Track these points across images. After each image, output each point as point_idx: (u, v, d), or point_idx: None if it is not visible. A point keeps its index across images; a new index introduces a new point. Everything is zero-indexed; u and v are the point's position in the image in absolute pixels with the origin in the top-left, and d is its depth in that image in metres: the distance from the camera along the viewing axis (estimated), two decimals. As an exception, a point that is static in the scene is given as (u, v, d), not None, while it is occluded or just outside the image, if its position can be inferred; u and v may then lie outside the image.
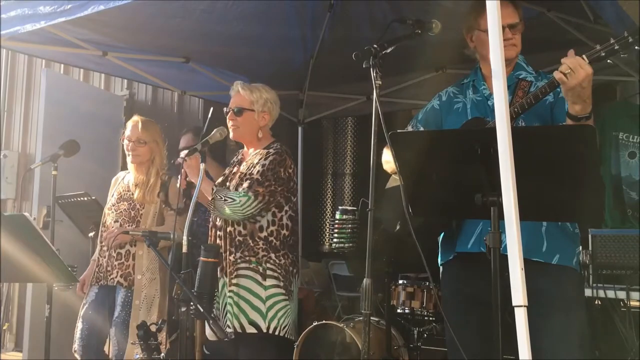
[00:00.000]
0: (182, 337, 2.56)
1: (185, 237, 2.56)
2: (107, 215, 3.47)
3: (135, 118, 3.54)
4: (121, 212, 3.41)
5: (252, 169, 2.91)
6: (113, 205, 3.46)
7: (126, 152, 3.49)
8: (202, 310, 2.46)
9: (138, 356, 3.17)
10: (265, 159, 2.88)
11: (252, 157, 2.99)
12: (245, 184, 2.84)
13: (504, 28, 2.16)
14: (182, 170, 2.83)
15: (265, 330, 2.80)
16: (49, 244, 2.55)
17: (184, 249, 2.57)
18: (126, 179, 3.54)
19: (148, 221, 3.37)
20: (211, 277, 2.66)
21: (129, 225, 3.36)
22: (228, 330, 2.83)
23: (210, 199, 2.84)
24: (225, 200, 2.79)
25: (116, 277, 3.31)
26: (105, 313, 3.35)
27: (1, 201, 6.52)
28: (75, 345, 3.31)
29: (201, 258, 2.63)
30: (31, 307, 5.10)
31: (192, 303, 2.49)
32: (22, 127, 6.90)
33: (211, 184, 2.89)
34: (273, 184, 2.83)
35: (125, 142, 3.48)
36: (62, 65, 6.24)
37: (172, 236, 2.75)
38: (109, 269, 3.33)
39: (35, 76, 6.76)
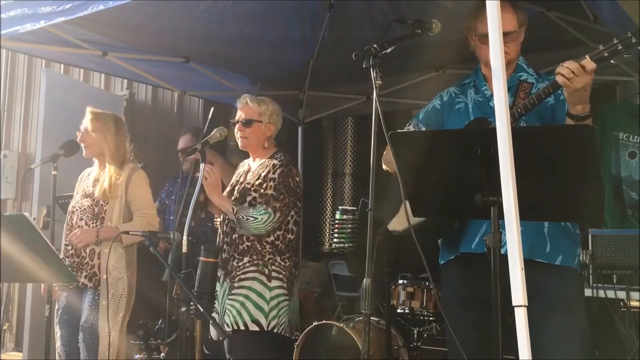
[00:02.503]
0: (182, 337, 2.56)
1: (185, 237, 2.56)
2: (72, 214, 3.36)
3: (89, 109, 3.44)
4: (85, 209, 3.30)
5: (260, 181, 2.99)
6: (77, 203, 3.36)
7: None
8: (202, 310, 2.46)
9: (138, 356, 3.17)
10: (273, 173, 2.98)
11: (259, 169, 3.07)
12: (261, 200, 2.93)
13: None
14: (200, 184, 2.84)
15: (266, 328, 2.88)
16: (49, 244, 2.55)
17: (184, 249, 2.57)
18: (91, 175, 3.45)
19: (114, 218, 3.28)
20: (211, 277, 2.66)
21: (93, 223, 3.26)
22: (227, 329, 2.88)
23: (234, 219, 2.93)
24: (247, 219, 2.89)
25: (81, 278, 3.22)
26: (79, 317, 3.26)
27: (1, 201, 6.52)
28: (58, 351, 3.25)
29: (201, 258, 2.63)
30: (31, 307, 5.10)
31: (192, 303, 2.49)
32: (22, 127, 6.90)
33: (231, 204, 2.95)
34: (287, 197, 2.96)
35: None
36: (62, 65, 6.24)
37: (172, 236, 2.73)
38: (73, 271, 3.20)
39: (35, 76, 6.76)
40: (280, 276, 2.94)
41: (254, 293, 2.91)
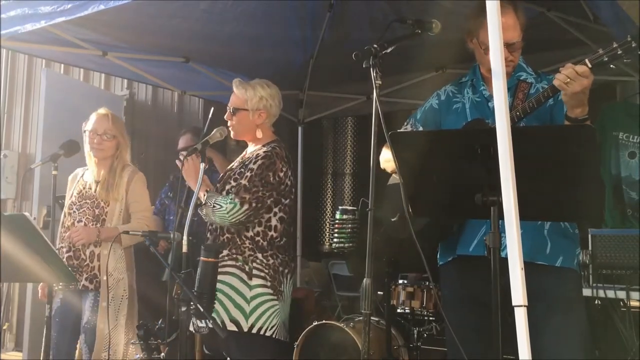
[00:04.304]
0: (182, 337, 2.56)
1: (185, 237, 2.56)
2: (69, 215, 3.34)
3: (104, 111, 3.39)
4: (84, 211, 3.29)
5: (242, 169, 2.89)
6: (74, 204, 3.33)
7: (89, 146, 3.34)
8: (202, 310, 2.46)
9: (138, 356, 3.17)
10: (254, 163, 2.84)
11: (248, 155, 2.97)
12: (234, 189, 2.82)
13: None
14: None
15: (246, 330, 2.75)
16: (49, 244, 2.55)
17: (184, 249, 2.57)
18: (86, 176, 3.41)
19: (114, 219, 3.28)
20: (211, 277, 2.65)
21: (93, 225, 3.25)
22: (201, 325, 2.80)
23: (203, 204, 2.83)
24: (213, 207, 2.78)
25: (82, 281, 3.20)
26: (73, 319, 3.26)
27: (1, 201, 6.52)
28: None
29: (201, 258, 2.63)
30: (31, 307, 5.10)
31: (192, 303, 2.49)
32: (22, 127, 6.91)
33: (204, 189, 2.85)
34: (261, 190, 2.79)
35: (89, 135, 3.32)
36: (62, 65, 6.25)
37: (172, 236, 2.73)
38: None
39: (35, 76, 6.77)
40: (262, 274, 2.79)
41: (234, 291, 2.78)
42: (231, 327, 2.76)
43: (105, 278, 3.20)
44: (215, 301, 2.75)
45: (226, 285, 2.80)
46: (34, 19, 3.06)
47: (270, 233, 2.85)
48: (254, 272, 2.79)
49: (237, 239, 2.84)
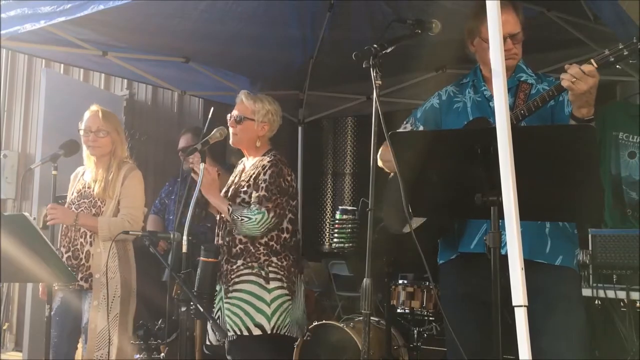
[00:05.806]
0: (182, 337, 2.56)
1: (185, 237, 2.56)
2: None
3: (95, 108, 3.38)
4: (82, 210, 3.28)
5: (251, 182, 2.98)
6: (73, 204, 3.33)
7: (84, 145, 3.34)
8: (202, 310, 2.46)
9: (138, 356, 3.17)
10: (264, 174, 2.95)
11: (250, 169, 3.06)
12: (255, 201, 2.91)
13: (505, 39, 2.16)
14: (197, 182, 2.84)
15: (269, 331, 2.86)
16: (49, 244, 2.55)
17: (184, 249, 2.57)
18: (86, 175, 3.41)
19: (107, 216, 3.26)
20: (211, 277, 2.67)
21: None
22: (229, 333, 2.87)
23: (229, 219, 2.90)
24: (242, 220, 2.86)
25: (78, 280, 3.19)
26: (73, 318, 3.25)
27: (1, 201, 6.52)
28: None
29: (201, 258, 2.63)
30: (31, 307, 5.10)
31: (192, 303, 2.49)
32: (22, 127, 6.90)
33: (227, 204, 2.93)
34: (278, 197, 2.92)
35: (83, 133, 3.33)
36: (62, 65, 6.24)
37: (172, 236, 2.72)
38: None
39: (35, 76, 6.76)
40: (279, 276, 2.91)
41: (254, 297, 2.87)
42: (257, 332, 2.86)
43: (97, 276, 3.19)
44: (238, 310, 2.87)
45: (246, 293, 2.90)
46: (34, 18, 3.06)
47: (283, 235, 2.99)
48: (271, 275, 2.91)
49: (251, 247, 2.93)
